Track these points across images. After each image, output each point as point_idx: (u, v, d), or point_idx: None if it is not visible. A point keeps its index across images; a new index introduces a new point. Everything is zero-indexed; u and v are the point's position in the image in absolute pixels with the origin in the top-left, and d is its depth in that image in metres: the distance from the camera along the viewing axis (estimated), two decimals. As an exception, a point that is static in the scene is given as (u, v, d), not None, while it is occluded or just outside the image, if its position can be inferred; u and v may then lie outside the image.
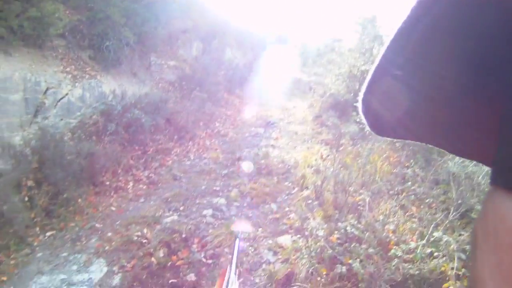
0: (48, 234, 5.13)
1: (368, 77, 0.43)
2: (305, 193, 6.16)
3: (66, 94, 6.62)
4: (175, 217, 5.61)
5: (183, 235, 5.06)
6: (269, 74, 15.56)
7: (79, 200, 5.73)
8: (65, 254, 4.79)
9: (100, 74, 7.65)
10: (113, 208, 5.94)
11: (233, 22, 12.87)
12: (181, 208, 5.88)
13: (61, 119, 6.51)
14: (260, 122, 11.11)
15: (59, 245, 4.95)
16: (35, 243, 4.92)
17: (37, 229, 5.11)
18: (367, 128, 0.49)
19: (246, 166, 7.57)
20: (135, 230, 5.21)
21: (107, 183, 6.43)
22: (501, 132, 0.30)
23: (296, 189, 6.51)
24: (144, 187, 6.69)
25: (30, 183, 5.29)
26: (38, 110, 6.08)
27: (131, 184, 6.69)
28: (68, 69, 6.81)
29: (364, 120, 0.48)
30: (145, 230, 5.17)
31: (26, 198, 5.16)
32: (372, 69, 0.42)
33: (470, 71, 0.34)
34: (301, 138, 9.54)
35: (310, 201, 5.84)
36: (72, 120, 6.76)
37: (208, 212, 5.75)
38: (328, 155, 7.15)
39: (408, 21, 0.35)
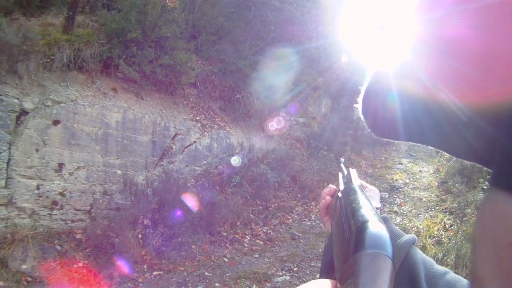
0: (155, 273, 5.09)
1: (369, 79, 0.45)
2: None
3: (194, 142, 6.90)
4: (287, 277, 5.26)
5: (293, 298, 4.63)
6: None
7: (193, 246, 5.71)
8: (167, 296, 4.65)
9: (229, 125, 7.93)
10: (226, 260, 5.79)
11: (363, 81, 12.52)
12: (295, 269, 5.53)
13: (187, 165, 6.75)
14: (385, 186, 10.68)
15: (163, 286, 4.83)
16: (140, 279, 4.90)
17: (145, 266, 5.12)
18: (368, 129, 0.49)
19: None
20: (244, 285, 4.99)
21: (224, 234, 6.39)
22: (501, 134, 0.29)
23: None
24: (261, 242, 6.49)
25: (146, 222, 5.47)
26: (164, 154, 6.41)
27: (248, 238, 6.56)
28: (197, 117, 7.21)
29: (364, 121, 0.48)
30: (254, 287, 4.94)
31: (140, 235, 5.31)
32: (372, 71, 0.45)
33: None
34: (425, 205, 9.00)
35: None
36: (197, 167, 6.97)
37: (322, 276, 5.27)
38: (451, 225, 7.02)
39: (409, 29, 0.35)
